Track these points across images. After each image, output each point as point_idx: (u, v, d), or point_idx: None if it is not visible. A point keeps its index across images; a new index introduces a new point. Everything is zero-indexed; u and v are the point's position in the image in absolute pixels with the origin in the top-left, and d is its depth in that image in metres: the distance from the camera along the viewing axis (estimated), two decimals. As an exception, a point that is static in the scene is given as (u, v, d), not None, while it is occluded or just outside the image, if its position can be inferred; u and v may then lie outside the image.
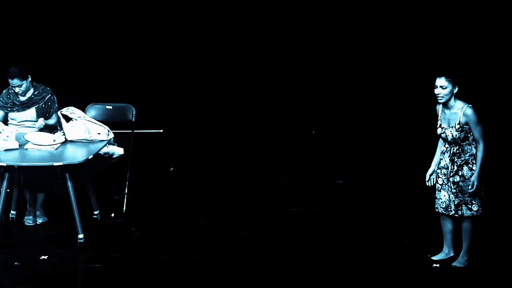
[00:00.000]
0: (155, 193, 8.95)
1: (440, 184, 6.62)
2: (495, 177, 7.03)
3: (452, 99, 6.40)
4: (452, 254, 6.89)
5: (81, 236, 7.32)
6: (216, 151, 10.68)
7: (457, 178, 6.53)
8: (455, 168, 6.51)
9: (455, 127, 6.40)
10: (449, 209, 6.62)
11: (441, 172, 6.60)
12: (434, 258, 6.92)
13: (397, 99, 11.15)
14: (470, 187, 6.43)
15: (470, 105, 6.39)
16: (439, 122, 6.55)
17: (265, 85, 11.94)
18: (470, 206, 6.54)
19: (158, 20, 11.82)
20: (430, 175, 6.70)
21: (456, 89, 6.38)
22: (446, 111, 6.47)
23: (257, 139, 11.16)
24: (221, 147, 10.84)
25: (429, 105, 6.92)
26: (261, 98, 11.89)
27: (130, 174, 8.35)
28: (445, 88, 6.33)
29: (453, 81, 6.38)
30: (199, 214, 8.25)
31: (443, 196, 6.61)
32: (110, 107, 8.45)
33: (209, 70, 12.03)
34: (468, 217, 6.57)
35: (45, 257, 7.05)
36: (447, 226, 6.80)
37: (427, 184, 6.70)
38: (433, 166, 6.72)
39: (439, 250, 7.00)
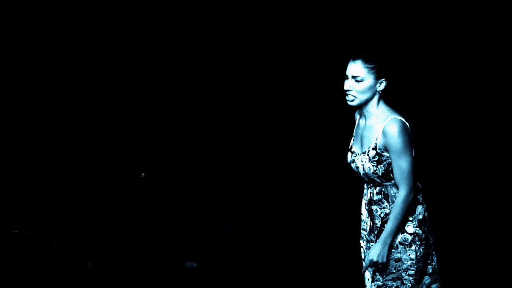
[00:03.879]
0: None
1: (363, 252, 5.08)
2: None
3: (374, 102, 4.61)
4: None
5: None
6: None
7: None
8: (373, 225, 4.88)
9: (367, 153, 4.70)
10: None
11: (362, 232, 5.03)
12: None
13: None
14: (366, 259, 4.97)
15: (399, 118, 4.57)
16: (351, 143, 4.95)
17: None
18: (392, 297, 4.95)
19: None
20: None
21: (383, 85, 4.55)
22: (361, 123, 4.78)
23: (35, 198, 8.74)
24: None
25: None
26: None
27: None
28: (361, 81, 4.56)
29: (378, 70, 4.54)
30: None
31: (367, 273, 5.04)
32: None
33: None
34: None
35: None
36: None
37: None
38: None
39: None
